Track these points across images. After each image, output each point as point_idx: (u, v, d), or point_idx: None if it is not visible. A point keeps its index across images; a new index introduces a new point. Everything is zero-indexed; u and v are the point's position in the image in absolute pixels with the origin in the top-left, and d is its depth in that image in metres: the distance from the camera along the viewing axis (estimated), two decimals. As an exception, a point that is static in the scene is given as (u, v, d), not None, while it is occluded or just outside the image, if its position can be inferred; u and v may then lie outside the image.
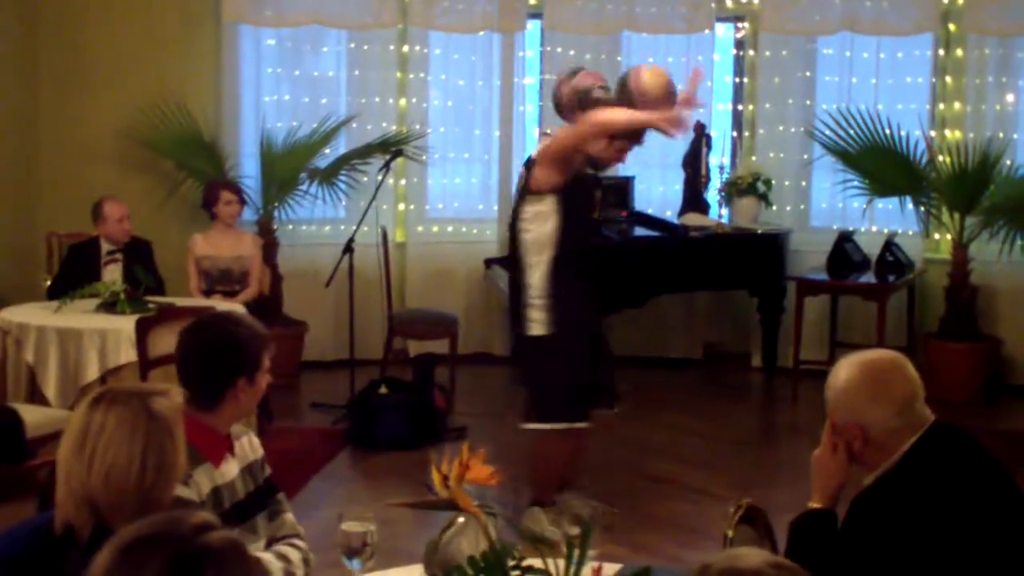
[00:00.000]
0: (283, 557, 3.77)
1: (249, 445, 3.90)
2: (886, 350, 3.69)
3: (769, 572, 2.07)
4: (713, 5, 10.33)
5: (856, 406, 3.52)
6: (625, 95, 6.22)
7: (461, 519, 3.45)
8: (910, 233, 10.03)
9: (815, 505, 3.62)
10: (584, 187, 6.54)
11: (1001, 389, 9.53)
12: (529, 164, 6.35)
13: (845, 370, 3.58)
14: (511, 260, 6.55)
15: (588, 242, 6.57)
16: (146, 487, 2.89)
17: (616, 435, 8.28)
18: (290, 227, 10.13)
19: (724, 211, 10.39)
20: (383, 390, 8.22)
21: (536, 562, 3.15)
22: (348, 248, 8.60)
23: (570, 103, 6.30)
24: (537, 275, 6.19)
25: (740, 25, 10.61)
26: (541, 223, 6.18)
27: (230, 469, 3.77)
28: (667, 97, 6.20)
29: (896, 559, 3.30)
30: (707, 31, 10.41)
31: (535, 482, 6.43)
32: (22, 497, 3.99)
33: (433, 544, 3.46)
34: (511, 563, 3.19)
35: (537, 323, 6.19)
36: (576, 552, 3.14)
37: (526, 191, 6.25)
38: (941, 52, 10.11)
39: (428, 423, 8.18)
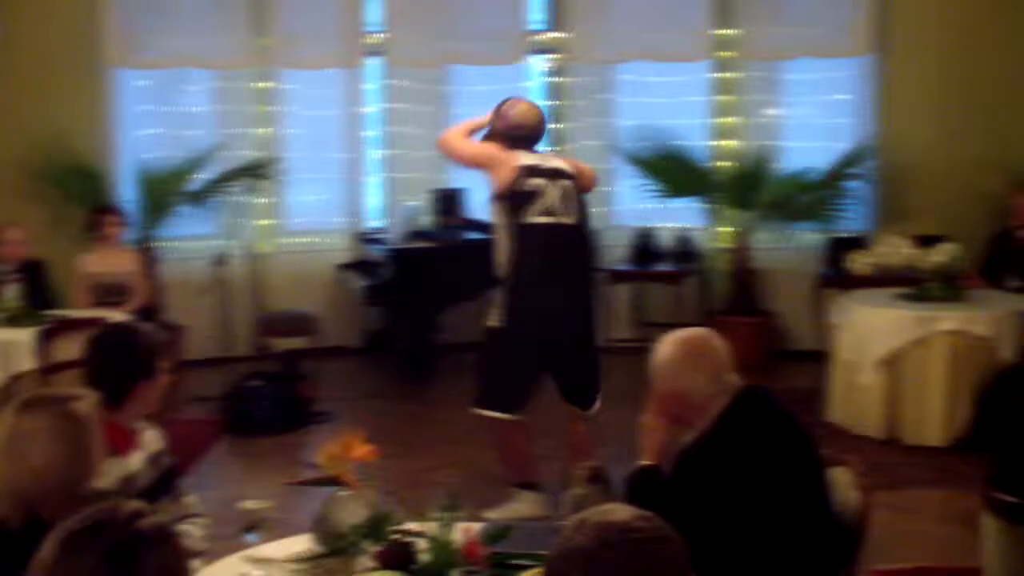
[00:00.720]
0: (187, 534, 3.72)
1: (152, 437, 3.86)
2: (699, 328, 3.75)
3: (637, 523, 2.08)
4: (527, 40, 10.39)
5: (677, 377, 3.58)
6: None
7: (343, 493, 3.43)
8: (699, 227, 10.21)
9: (645, 462, 3.66)
10: None
11: (779, 354, 9.74)
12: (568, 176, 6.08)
13: (667, 347, 3.63)
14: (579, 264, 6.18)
15: None
16: (72, 481, 2.85)
17: (461, 410, 8.34)
18: (168, 243, 9.94)
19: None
20: (255, 382, 8.14)
21: (413, 525, 3.15)
22: (219, 260, 8.49)
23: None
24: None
25: (551, 57, 10.66)
26: None
27: (136, 459, 3.72)
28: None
29: (716, 501, 3.36)
30: (524, 62, 10.48)
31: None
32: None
33: (319, 517, 3.43)
34: (391, 527, 3.18)
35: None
36: (446, 515, 3.14)
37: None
38: (717, 75, 10.30)
39: (296, 410, 8.11)
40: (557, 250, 6.01)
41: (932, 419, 7.25)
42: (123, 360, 3.67)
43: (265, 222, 10.34)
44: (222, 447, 7.72)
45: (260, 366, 8.58)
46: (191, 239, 10.08)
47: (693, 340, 3.64)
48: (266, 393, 8.05)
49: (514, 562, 3.16)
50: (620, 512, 2.12)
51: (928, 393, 7.25)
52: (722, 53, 10.22)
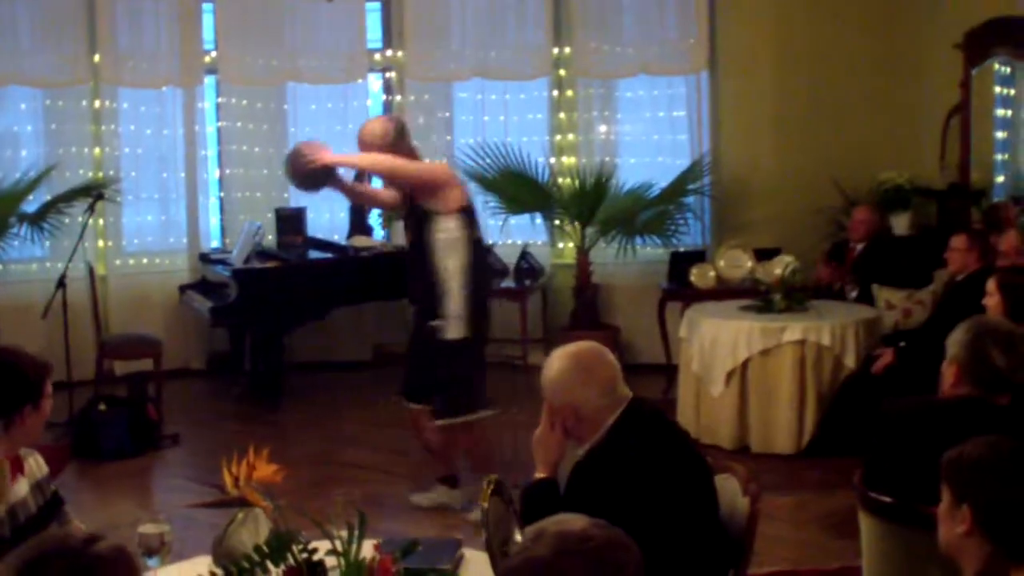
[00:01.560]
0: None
1: (36, 464, 3.74)
2: (591, 342, 3.80)
3: (594, 531, 2.13)
4: (365, 59, 10.37)
5: (569, 390, 3.61)
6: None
7: (241, 514, 3.39)
8: (540, 243, 10.31)
9: (539, 475, 3.69)
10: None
11: (623, 367, 9.81)
12: None
13: (557, 361, 3.66)
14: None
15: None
16: None
17: (312, 430, 8.31)
18: (2, 266, 9.65)
19: (383, 232, 10.42)
20: (102, 407, 7.96)
21: (323, 544, 3.12)
22: (61, 283, 8.30)
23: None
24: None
25: (388, 75, 10.67)
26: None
27: (21, 488, 3.61)
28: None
29: (610, 512, 3.37)
30: (361, 80, 10.45)
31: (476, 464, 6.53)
32: None
33: (219, 538, 3.39)
34: (298, 546, 3.15)
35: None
36: (355, 532, 3.13)
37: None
38: (555, 93, 10.43)
39: (145, 433, 7.95)
40: None
41: (780, 427, 7.46)
42: (5, 386, 3.55)
43: (102, 243, 10.10)
44: (70, 473, 7.50)
45: (103, 390, 8.39)
46: (25, 262, 9.81)
47: (584, 355, 3.68)
48: (114, 417, 7.87)
49: (424, 578, 3.17)
50: (576, 521, 2.17)
51: (776, 402, 7.46)
52: (561, 72, 10.36)
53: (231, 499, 3.26)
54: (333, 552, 3.07)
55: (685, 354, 7.97)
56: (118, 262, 10.16)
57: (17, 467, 3.61)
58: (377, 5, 10.67)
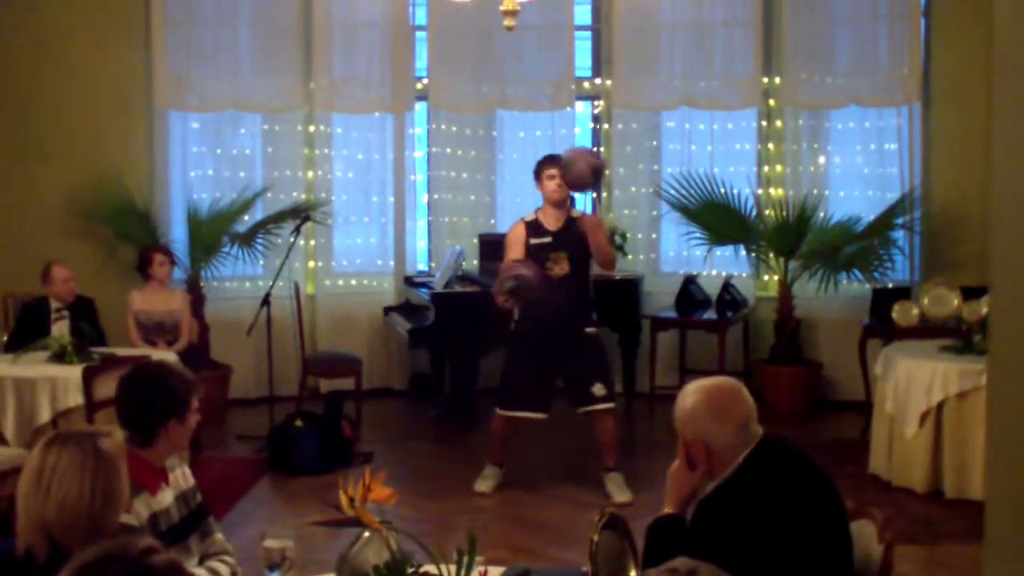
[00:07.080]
0: (214, 572, 3.74)
1: (182, 476, 3.88)
2: (726, 377, 3.72)
3: None
4: (573, 87, 10.42)
5: (701, 426, 3.55)
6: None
7: (366, 534, 3.43)
8: (743, 275, 10.17)
9: (668, 511, 3.63)
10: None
11: (822, 404, 9.67)
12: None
13: (691, 395, 3.60)
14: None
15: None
16: (95, 515, 2.88)
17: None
18: (215, 283, 10.04)
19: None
20: (298, 422, 8.15)
21: (432, 568, 3.14)
22: (266, 301, 8.58)
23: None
24: None
25: (596, 103, 10.70)
26: None
27: (165, 497, 3.74)
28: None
29: (735, 552, 3.30)
30: (568, 108, 10.50)
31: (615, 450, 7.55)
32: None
33: (343, 556, 3.44)
34: (410, 570, 3.18)
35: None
36: (465, 558, 3.14)
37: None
38: (764, 123, 10.28)
39: (338, 450, 8.10)
40: None
41: (977, 473, 7.12)
42: (153, 399, 3.69)
43: (312, 264, 10.42)
44: (263, 485, 7.73)
45: (304, 407, 8.62)
46: (239, 279, 10.21)
47: (719, 391, 3.60)
48: (309, 433, 8.06)
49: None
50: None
51: (972, 447, 7.12)
52: (768, 101, 10.21)
53: (346, 519, 3.31)
54: (441, 576, 3.08)
55: (880, 393, 7.72)
56: (327, 282, 10.44)
57: (162, 477, 3.74)
58: (587, 34, 10.72)
